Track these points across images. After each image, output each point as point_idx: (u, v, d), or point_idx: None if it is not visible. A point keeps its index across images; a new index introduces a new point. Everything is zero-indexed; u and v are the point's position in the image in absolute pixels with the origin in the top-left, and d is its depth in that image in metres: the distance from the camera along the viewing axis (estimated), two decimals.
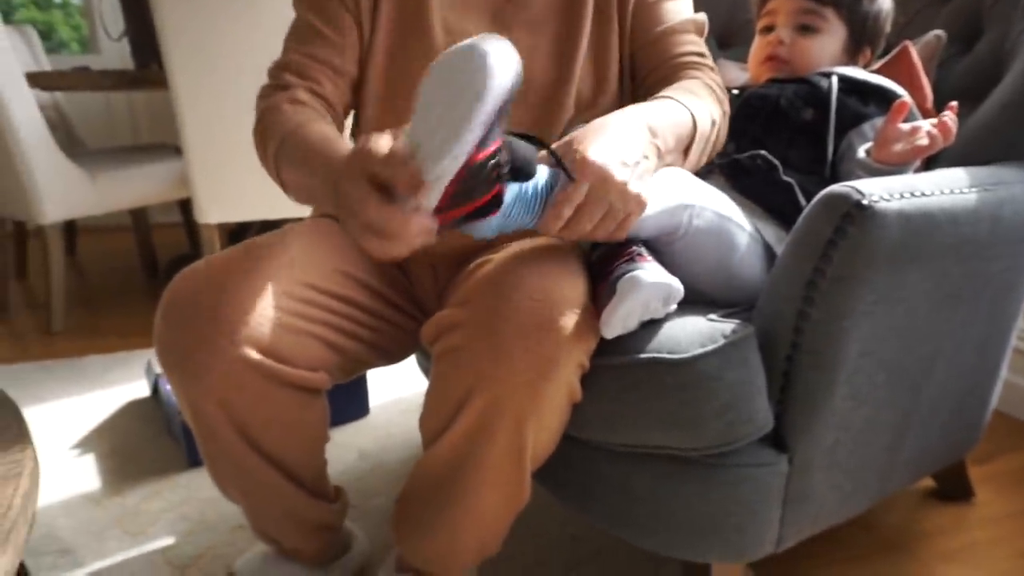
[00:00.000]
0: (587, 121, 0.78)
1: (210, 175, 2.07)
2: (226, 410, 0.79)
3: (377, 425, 1.59)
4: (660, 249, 0.81)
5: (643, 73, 0.97)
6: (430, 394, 0.80)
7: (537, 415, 0.73)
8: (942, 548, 1.15)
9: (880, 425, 0.88)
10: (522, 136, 0.69)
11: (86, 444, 1.53)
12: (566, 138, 0.73)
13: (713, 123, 0.87)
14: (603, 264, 0.78)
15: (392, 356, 0.99)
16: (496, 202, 0.66)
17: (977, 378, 1.01)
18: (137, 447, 1.50)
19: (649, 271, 0.74)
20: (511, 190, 0.68)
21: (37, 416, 1.66)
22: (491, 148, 0.61)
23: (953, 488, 1.25)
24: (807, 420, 0.80)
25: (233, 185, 2.09)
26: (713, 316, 0.80)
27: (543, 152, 0.72)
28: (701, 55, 0.96)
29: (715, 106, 0.89)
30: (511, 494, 0.80)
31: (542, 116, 0.93)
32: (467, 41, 0.61)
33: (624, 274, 0.73)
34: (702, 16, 0.99)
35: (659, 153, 0.77)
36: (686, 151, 0.84)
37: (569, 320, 0.72)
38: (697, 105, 0.85)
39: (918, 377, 0.88)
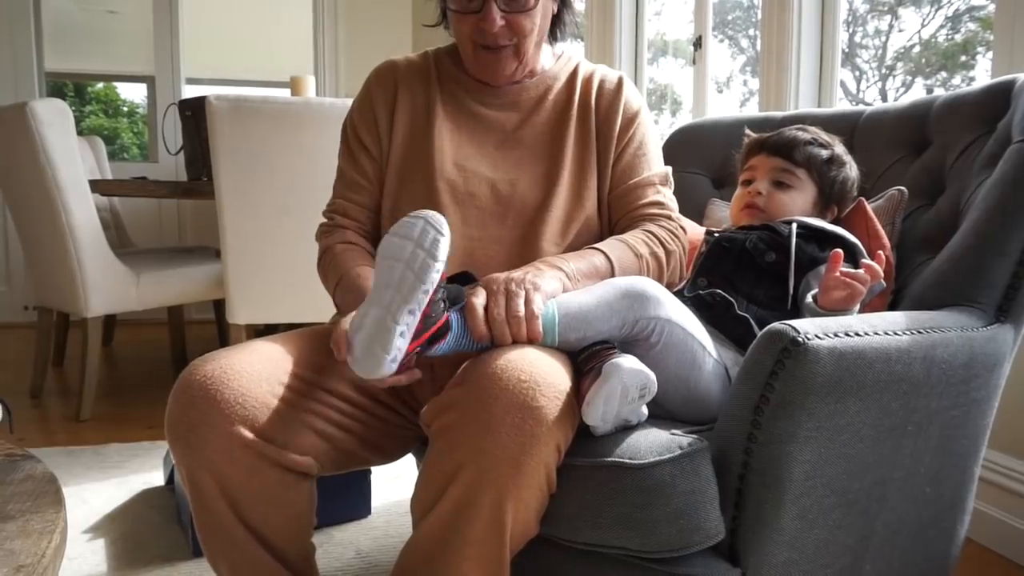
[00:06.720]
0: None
1: (243, 280, 2.24)
2: (220, 483, 0.90)
3: (377, 525, 1.65)
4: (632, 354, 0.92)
5: (614, 218, 1.15)
6: (423, 472, 0.88)
7: (517, 491, 0.81)
8: None
9: (835, 548, 0.94)
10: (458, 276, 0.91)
11: (98, 529, 1.60)
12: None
13: (638, 255, 1.06)
14: (588, 360, 0.90)
15: (386, 453, 1.08)
16: (447, 326, 0.88)
17: (936, 509, 1.06)
18: (146, 534, 1.57)
19: (630, 360, 0.86)
20: (455, 318, 0.88)
21: None
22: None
23: None
24: (758, 536, 0.87)
25: (263, 290, 2.26)
26: (677, 431, 0.89)
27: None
28: (659, 204, 1.14)
29: (649, 244, 1.08)
30: (492, 574, 0.85)
31: (527, 232, 1.09)
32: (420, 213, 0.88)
33: (609, 361, 0.85)
34: (665, 169, 1.18)
35: (556, 268, 0.98)
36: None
37: (552, 403, 0.82)
38: (614, 245, 1.05)
39: (869, 503, 0.95)
